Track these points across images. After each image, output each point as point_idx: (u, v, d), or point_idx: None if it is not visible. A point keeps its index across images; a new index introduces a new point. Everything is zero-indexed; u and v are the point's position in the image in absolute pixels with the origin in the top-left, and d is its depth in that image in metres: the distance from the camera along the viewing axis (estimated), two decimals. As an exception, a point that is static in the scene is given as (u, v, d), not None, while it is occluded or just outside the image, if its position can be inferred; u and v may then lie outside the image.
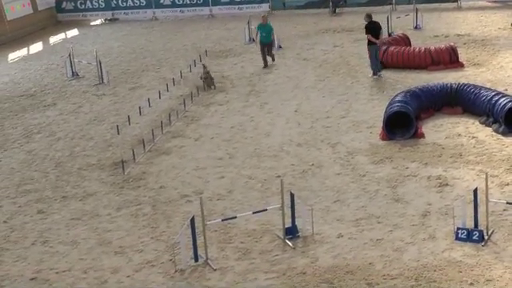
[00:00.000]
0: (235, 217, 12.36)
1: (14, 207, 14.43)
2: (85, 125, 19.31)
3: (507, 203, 12.15)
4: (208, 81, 21.51)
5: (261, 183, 14.53)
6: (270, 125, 18.03)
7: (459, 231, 11.62)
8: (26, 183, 15.62)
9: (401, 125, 16.26)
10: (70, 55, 24.67)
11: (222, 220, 12.35)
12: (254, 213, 12.39)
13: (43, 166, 16.53)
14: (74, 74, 24.55)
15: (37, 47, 31.12)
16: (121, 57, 27.26)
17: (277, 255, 11.67)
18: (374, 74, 21.15)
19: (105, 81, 23.31)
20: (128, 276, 11.46)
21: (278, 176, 14.50)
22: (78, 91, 22.77)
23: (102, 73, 23.43)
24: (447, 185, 13.67)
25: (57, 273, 11.73)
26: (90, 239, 12.81)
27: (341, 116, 18.20)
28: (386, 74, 21.43)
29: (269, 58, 23.78)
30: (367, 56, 21.65)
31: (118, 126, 18.17)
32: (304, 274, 11.02)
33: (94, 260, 12.05)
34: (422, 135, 16.24)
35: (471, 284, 10.35)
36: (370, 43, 20.99)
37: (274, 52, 24.18)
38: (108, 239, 12.74)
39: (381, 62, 21.81)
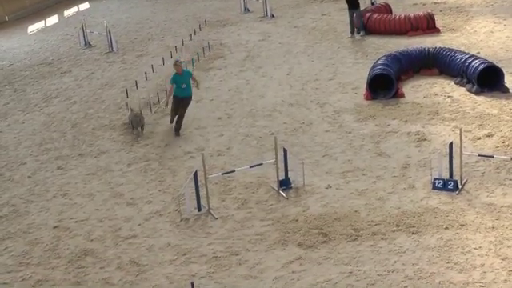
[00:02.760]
0: (234, 171, 12.37)
1: (37, 164, 14.47)
2: (97, 89, 19.20)
3: (479, 155, 12.21)
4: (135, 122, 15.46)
5: (256, 140, 14.51)
6: (265, 87, 17.95)
7: (436, 181, 11.66)
8: (46, 142, 15.61)
9: (383, 86, 16.20)
10: (82, 27, 24.45)
11: (222, 174, 12.36)
12: (250, 167, 12.40)
13: (61, 127, 16.49)
14: (87, 44, 24.36)
15: (53, 20, 30.78)
16: (128, 27, 27.00)
17: (272, 205, 11.72)
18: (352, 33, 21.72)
19: (114, 49, 23.13)
20: (139, 224, 11.52)
21: (272, 133, 14.49)
22: (91, 59, 22.60)
23: (111, 42, 23.24)
24: (425, 140, 13.68)
25: (76, 222, 11.81)
26: (104, 192, 12.84)
27: (328, 78, 18.11)
28: (370, 39, 21.28)
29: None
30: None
31: (126, 89, 18.07)
32: (296, 221, 11.08)
33: (108, 210, 12.10)
34: (402, 95, 16.18)
35: (446, 228, 10.42)
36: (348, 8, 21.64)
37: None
38: (120, 192, 12.77)
39: (364, 28, 21.71)
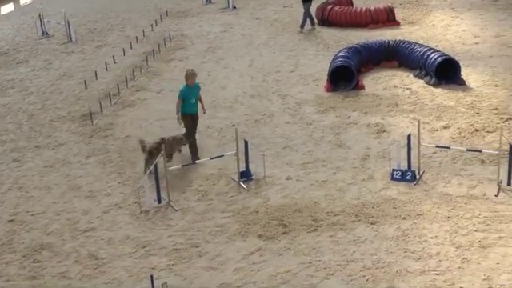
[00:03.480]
0: (195, 162, 12.35)
1: (-9, 156, 14.26)
2: (55, 80, 18.96)
3: (436, 147, 12.44)
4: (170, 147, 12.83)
5: (217, 132, 14.52)
6: (226, 79, 17.94)
7: (394, 172, 11.82)
8: (1, 134, 15.37)
9: (343, 78, 16.33)
10: (39, 16, 24.07)
11: (183, 165, 12.34)
12: (211, 158, 12.40)
13: (17, 119, 16.26)
14: (44, 33, 24.00)
15: (8, 8, 30.28)
16: (87, 17, 26.69)
17: (232, 196, 11.76)
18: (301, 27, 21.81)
19: (73, 39, 22.83)
20: (97, 217, 11.45)
21: (233, 125, 14.51)
22: (48, 49, 22.29)
23: (70, 32, 22.93)
24: (384, 131, 13.84)
25: (32, 215, 11.66)
26: (62, 184, 12.72)
27: (290, 70, 18.19)
28: (331, 31, 21.42)
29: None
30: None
31: (85, 81, 17.89)
32: (257, 212, 11.14)
33: (66, 203, 11.99)
34: (363, 87, 16.34)
35: (404, 218, 10.59)
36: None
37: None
38: (78, 184, 12.67)
39: (326, 21, 21.87)
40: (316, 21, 22.13)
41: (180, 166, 12.34)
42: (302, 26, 21.67)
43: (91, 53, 21.39)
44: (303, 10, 21.62)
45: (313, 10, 22.85)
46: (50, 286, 9.66)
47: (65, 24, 23.12)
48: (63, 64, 20.44)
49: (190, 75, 12.82)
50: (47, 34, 24.02)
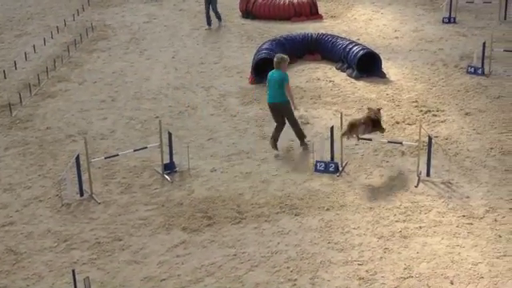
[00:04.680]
0: (117, 154, 12.11)
1: None
2: (-28, 70, 18.21)
3: (358, 139, 12.47)
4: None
5: (141, 123, 14.27)
6: (149, 70, 17.66)
7: (318, 164, 11.88)
8: None
9: (267, 70, 16.17)
10: (-45, 3, 23.08)
11: (105, 158, 12.05)
12: (135, 150, 12.15)
13: None
14: (-40, 21, 23.00)
15: None
16: (6, 5, 25.72)
17: (156, 189, 11.58)
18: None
19: (-9, 28, 22.03)
20: (17, 211, 11.04)
21: (157, 117, 14.29)
22: (-35, 38, 21.40)
23: (-13, 20, 22.10)
24: (308, 123, 13.90)
25: None
26: (-22, 178, 12.21)
27: (214, 62, 18.05)
28: (255, 24, 21.36)
29: None
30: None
31: (4, 70, 17.25)
32: (181, 204, 11.00)
33: (-17, 197, 11.52)
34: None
35: (327, 209, 10.65)
36: None
37: None
38: (-4, 177, 12.20)
39: (250, 13, 21.80)
40: (240, 13, 22.00)
41: (102, 157, 12.04)
42: (220, 20, 21.21)
43: (10, 42, 20.62)
44: (207, 11, 20.79)
45: (236, 2, 22.78)
46: (-34, 284, 9.25)
47: (-18, 12, 22.24)
48: (-20, 53, 19.66)
49: (285, 63, 12.40)
50: (-37, 21, 23.03)
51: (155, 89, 16.25)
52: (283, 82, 12.26)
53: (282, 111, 12.50)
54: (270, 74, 12.55)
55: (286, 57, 12.54)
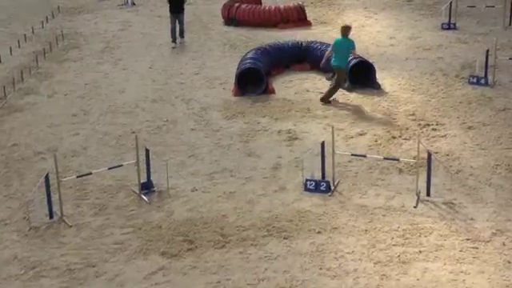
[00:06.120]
0: (90, 173, 12.03)
1: None
2: None
3: (352, 155, 12.57)
4: None
5: (116, 139, 14.22)
6: (125, 81, 17.65)
7: (308, 182, 11.85)
8: None
9: (252, 81, 16.33)
10: None
11: (77, 176, 11.94)
12: (109, 168, 12.10)
13: None
14: None
15: None
16: (-32, 11, 25.69)
17: (133, 210, 11.51)
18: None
19: (-49, 36, 21.91)
20: (-21, 236, 10.92)
21: (133, 132, 14.26)
22: None
23: None
24: (297, 138, 13.90)
25: None
26: None
27: (194, 72, 18.07)
28: (239, 31, 21.45)
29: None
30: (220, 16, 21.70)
31: (-34, 82, 17.17)
32: (160, 227, 10.92)
33: None
34: (273, 91, 16.39)
35: (319, 232, 10.60)
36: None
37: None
38: (-43, 199, 12.06)
39: (233, 20, 21.84)
40: (222, 20, 22.02)
41: (74, 176, 11.95)
42: (183, 35, 20.72)
43: (-28, 51, 20.55)
44: (173, 26, 20.37)
45: (218, 8, 22.84)
46: None
47: None
48: None
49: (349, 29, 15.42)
50: None
51: (131, 102, 16.21)
52: (350, 48, 15.21)
53: (339, 73, 15.39)
54: (336, 40, 15.53)
55: (350, 25, 15.93)
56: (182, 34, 20.69)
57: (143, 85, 17.35)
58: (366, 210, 11.16)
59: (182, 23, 20.56)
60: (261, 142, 13.87)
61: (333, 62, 15.39)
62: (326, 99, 15.51)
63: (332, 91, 15.52)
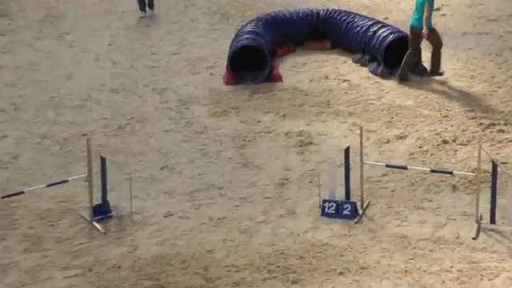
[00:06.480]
0: (22, 192, 12.02)
1: None
2: None
3: (387, 166, 12.52)
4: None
5: (59, 144, 14.28)
6: (74, 63, 17.70)
7: (326, 204, 11.85)
8: None
9: (251, 64, 16.35)
10: None
11: (3, 197, 11.94)
12: (48, 185, 12.09)
13: None
14: None
15: None
16: None
17: (81, 244, 11.49)
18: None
19: None
20: None
21: (84, 134, 14.30)
22: None
23: None
24: (311, 143, 13.93)
25: None
26: None
27: (171, 52, 18.11)
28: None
29: None
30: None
31: None
32: (119, 268, 10.92)
33: None
34: (279, 78, 16.41)
35: (341, 273, 10.57)
36: None
37: None
38: None
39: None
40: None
41: (-1, 197, 11.96)
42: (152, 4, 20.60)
43: None
44: None
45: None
46: None
47: None
48: None
49: None
50: None
51: (82, 92, 16.25)
52: (424, 1, 15.79)
53: (419, 37, 16.05)
54: None
55: None
56: (150, 4, 20.56)
57: (99, 68, 17.42)
58: (406, 243, 11.13)
59: None
60: (262, 148, 13.90)
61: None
62: (434, 71, 16.26)
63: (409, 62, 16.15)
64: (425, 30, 15.77)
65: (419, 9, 15.89)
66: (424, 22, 15.74)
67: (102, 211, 11.98)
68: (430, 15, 15.95)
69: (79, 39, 18.99)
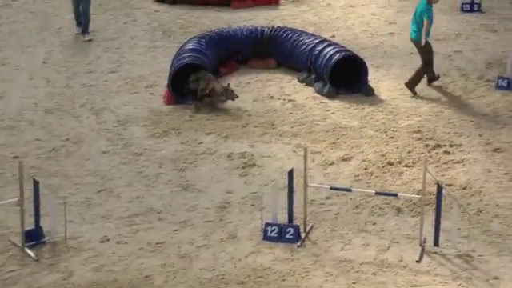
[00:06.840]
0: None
1: None
2: None
3: (331, 189, 12.62)
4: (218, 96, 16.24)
5: (-11, 167, 14.22)
6: (5, 82, 17.63)
7: (268, 228, 11.95)
8: None
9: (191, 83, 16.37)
10: None
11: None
12: (-22, 210, 12.10)
13: None
14: None
15: None
16: None
17: (12, 271, 11.38)
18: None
19: None
20: None
21: (16, 157, 14.24)
22: None
23: None
24: (254, 165, 14.06)
25: None
26: None
27: (109, 70, 18.12)
28: (176, 11, 21.50)
29: None
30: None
31: None
32: (53, 295, 10.90)
33: None
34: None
35: (283, 299, 10.70)
36: None
37: None
38: None
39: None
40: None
41: None
42: (86, 32, 20.25)
43: None
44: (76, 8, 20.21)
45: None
46: None
47: None
48: None
49: None
50: None
51: (14, 111, 16.21)
52: (423, 14, 16.29)
53: (418, 49, 16.79)
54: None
55: None
56: (85, 29, 20.14)
57: (32, 87, 17.36)
58: (349, 267, 11.24)
59: (86, 13, 20.04)
60: (203, 170, 13.98)
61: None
62: (408, 84, 16.75)
63: (422, 73, 16.76)
64: (423, 40, 16.31)
65: (418, 21, 16.47)
66: (423, 32, 16.29)
67: (34, 237, 11.90)
68: (429, 27, 16.50)
69: (11, 56, 18.92)
